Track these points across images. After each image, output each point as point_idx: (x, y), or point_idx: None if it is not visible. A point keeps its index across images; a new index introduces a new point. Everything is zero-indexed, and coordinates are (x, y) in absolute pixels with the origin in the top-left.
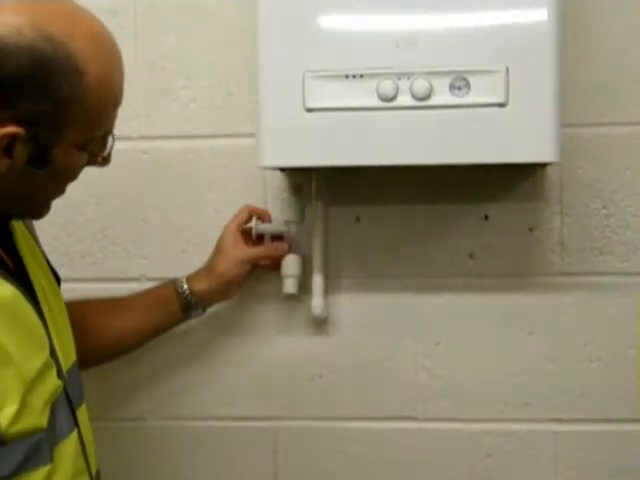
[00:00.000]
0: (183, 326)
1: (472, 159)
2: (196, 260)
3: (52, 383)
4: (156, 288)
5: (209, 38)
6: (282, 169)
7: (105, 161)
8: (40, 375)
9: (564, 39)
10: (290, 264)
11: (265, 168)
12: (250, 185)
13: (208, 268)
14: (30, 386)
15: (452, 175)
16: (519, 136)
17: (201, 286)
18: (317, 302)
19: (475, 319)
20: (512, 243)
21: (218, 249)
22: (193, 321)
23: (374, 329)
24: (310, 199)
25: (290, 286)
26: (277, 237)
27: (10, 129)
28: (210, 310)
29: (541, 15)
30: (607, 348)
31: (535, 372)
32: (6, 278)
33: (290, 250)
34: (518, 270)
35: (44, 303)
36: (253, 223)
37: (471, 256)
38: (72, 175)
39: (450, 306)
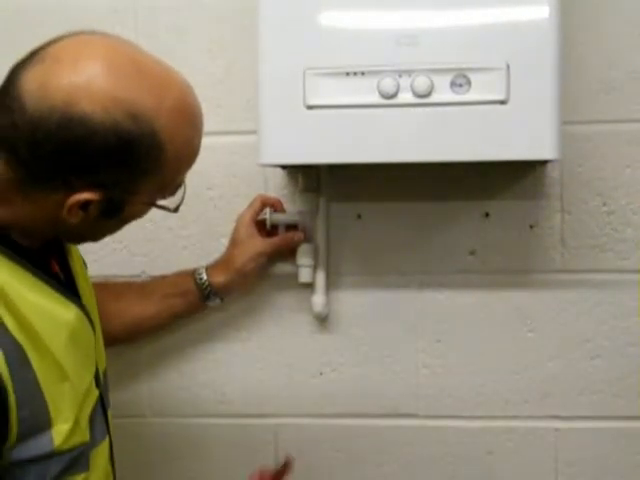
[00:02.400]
0: (183, 323)
1: (473, 156)
2: (197, 257)
3: (94, 395)
4: (176, 276)
5: (210, 35)
6: (283, 166)
7: (177, 211)
8: (87, 391)
9: (565, 36)
10: (305, 253)
11: (266, 165)
12: (251, 182)
13: (225, 261)
14: (81, 403)
15: (453, 172)
16: (520, 133)
17: (220, 278)
18: (319, 299)
19: (476, 316)
20: (513, 240)
21: (234, 241)
22: (192, 318)
23: (375, 326)
24: (312, 197)
25: (305, 275)
26: (290, 226)
27: (87, 195)
28: (210, 308)
29: (542, 12)
30: (607, 345)
31: (536, 369)
32: (69, 298)
33: (305, 239)
34: (519, 267)
35: (92, 315)
36: (267, 214)
37: (472, 253)
38: (140, 218)
39: (451, 303)
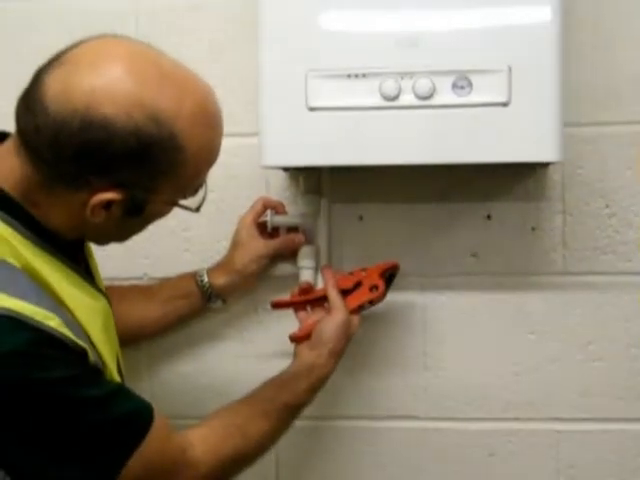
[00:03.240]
0: (184, 323)
1: (474, 158)
2: (198, 259)
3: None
4: (178, 279)
5: (211, 37)
6: (284, 168)
7: (198, 210)
8: (113, 379)
9: (567, 38)
10: (306, 255)
11: (268, 167)
12: (252, 184)
13: (227, 263)
14: None
15: (454, 174)
16: (521, 135)
17: (221, 280)
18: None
19: (477, 318)
20: (514, 242)
21: (235, 243)
22: (193, 319)
23: (377, 328)
24: (314, 198)
25: (306, 277)
26: (292, 229)
27: (108, 195)
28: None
29: (544, 14)
30: (609, 347)
31: (537, 371)
32: (96, 290)
33: (306, 241)
34: (520, 269)
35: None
36: (268, 216)
37: (473, 255)
38: (162, 217)
39: (452, 305)
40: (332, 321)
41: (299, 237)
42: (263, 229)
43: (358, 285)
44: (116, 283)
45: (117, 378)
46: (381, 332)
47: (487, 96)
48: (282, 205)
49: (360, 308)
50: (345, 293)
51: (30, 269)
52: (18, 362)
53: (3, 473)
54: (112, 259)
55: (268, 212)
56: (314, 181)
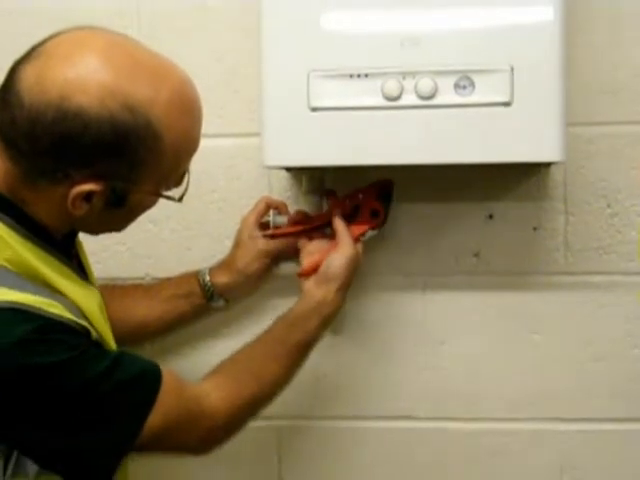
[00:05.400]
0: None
1: (477, 158)
2: (201, 259)
3: None
4: (180, 278)
5: (213, 37)
6: (287, 168)
7: (181, 200)
8: None
9: (569, 38)
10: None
11: (270, 168)
12: (255, 185)
13: (228, 262)
14: None
15: (457, 174)
16: (524, 135)
17: (222, 279)
18: None
19: (479, 318)
20: (516, 242)
21: (237, 243)
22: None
23: (379, 328)
24: (315, 199)
25: None
26: None
27: (88, 187)
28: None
29: (546, 14)
30: (611, 347)
31: (539, 371)
32: (90, 284)
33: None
34: (522, 269)
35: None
36: (270, 216)
37: (475, 255)
38: (148, 208)
39: (454, 305)
40: (341, 256)
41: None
42: (266, 229)
43: (356, 209)
44: (119, 283)
45: None
46: (382, 331)
47: (489, 96)
48: (285, 205)
49: (362, 235)
50: (346, 220)
51: (23, 263)
52: (28, 350)
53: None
54: (114, 259)
55: (271, 212)
56: (316, 181)
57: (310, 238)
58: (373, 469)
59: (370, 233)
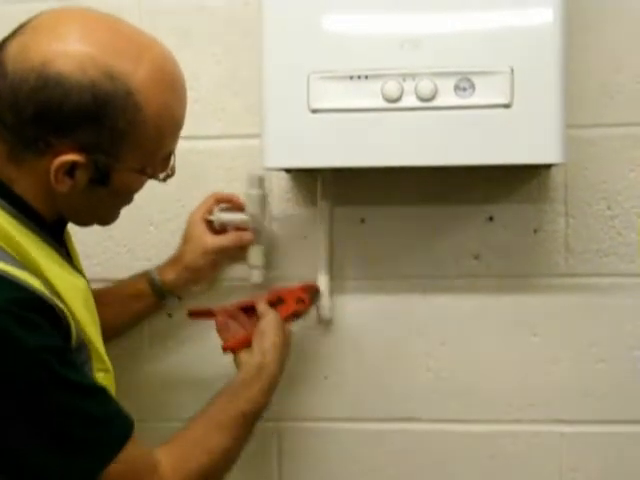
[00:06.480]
0: (184, 324)
1: (477, 160)
2: None
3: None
4: (131, 279)
5: (214, 39)
6: (287, 170)
7: (165, 180)
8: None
9: (569, 40)
10: (255, 255)
11: (270, 169)
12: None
13: (176, 258)
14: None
15: (457, 176)
16: (524, 137)
17: (170, 276)
18: (323, 303)
19: (480, 320)
20: (517, 244)
21: (185, 238)
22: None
23: (379, 330)
24: (315, 200)
25: (256, 276)
26: (240, 229)
27: (69, 157)
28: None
29: (546, 16)
30: (612, 349)
31: (540, 373)
32: (77, 271)
33: (255, 241)
34: (523, 271)
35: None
36: (215, 214)
37: (476, 257)
38: (135, 191)
39: (455, 307)
40: (267, 320)
41: (247, 235)
42: (211, 226)
43: (280, 301)
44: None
45: (106, 359)
46: (383, 334)
47: (489, 98)
48: (237, 198)
49: (287, 319)
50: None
51: (12, 242)
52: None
53: None
54: (115, 261)
55: (215, 210)
56: (316, 183)
57: (231, 316)
58: (373, 471)
59: (293, 319)
